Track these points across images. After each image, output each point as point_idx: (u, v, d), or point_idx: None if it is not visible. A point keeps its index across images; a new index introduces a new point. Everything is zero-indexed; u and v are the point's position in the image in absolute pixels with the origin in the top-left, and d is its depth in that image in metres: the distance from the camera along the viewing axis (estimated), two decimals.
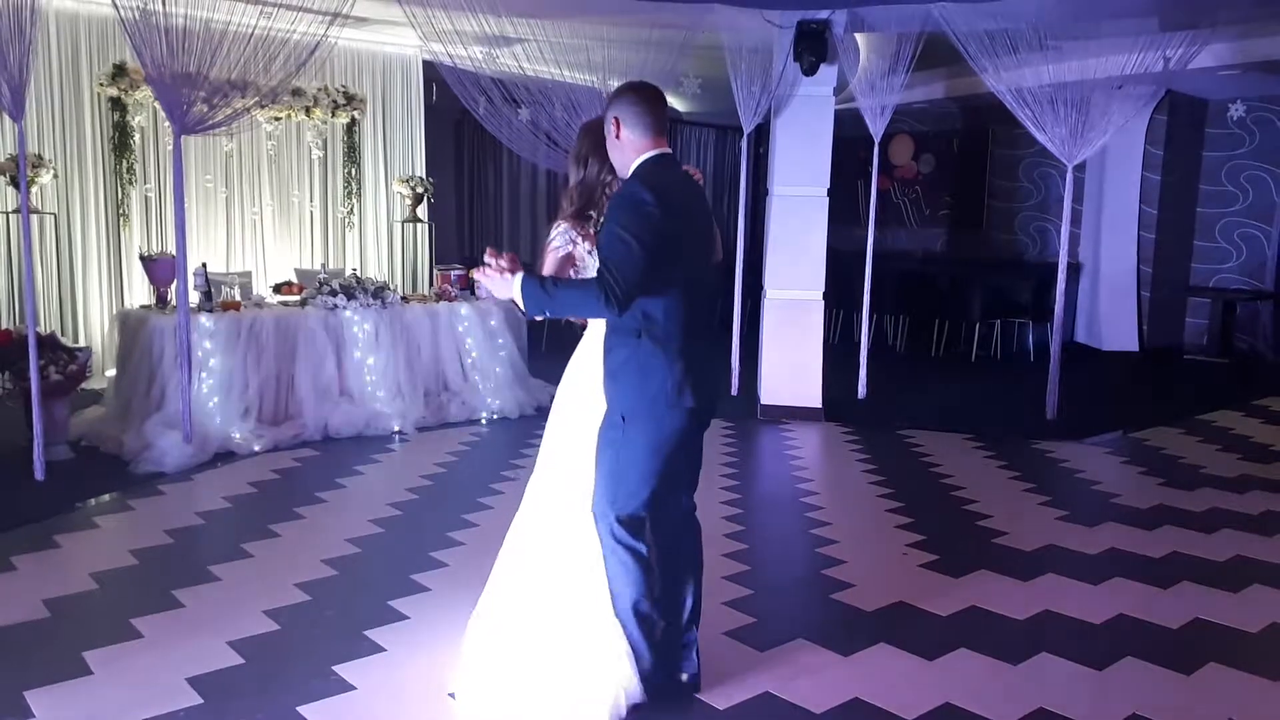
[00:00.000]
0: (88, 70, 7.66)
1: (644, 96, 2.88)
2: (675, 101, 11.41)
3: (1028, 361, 9.98)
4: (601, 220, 2.98)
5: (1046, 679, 3.26)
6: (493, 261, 2.79)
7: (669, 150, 2.93)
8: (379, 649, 3.35)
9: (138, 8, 5.12)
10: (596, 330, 3.02)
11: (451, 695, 3.02)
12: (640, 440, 2.85)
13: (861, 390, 7.94)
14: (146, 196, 8.08)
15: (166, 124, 5.94)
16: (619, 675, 2.89)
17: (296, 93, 8.26)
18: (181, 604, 3.71)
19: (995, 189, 12.04)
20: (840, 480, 5.81)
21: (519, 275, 2.77)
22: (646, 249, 2.68)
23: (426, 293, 7.76)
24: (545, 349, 8.67)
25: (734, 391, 7.88)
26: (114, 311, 7.35)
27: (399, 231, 9.68)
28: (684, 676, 3.04)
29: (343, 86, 8.92)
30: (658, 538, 2.97)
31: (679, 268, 2.81)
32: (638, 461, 2.86)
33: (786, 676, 3.21)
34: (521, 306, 2.79)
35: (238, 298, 6.59)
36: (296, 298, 6.87)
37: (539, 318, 2.78)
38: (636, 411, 2.85)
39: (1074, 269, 10.67)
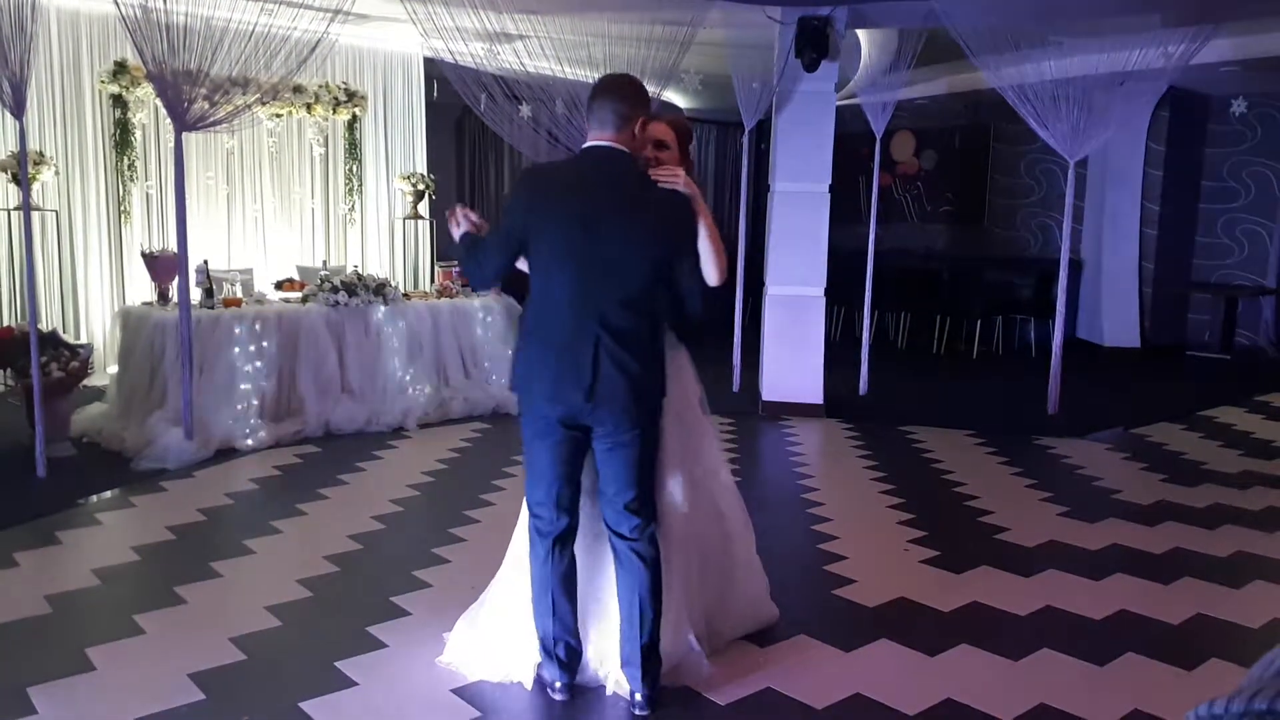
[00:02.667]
0: (89, 67, 7.66)
1: (593, 91, 2.87)
2: (676, 97, 11.39)
3: (1029, 358, 9.98)
4: None
5: (1048, 675, 3.26)
6: (468, 217, 3.08)
7: (602, 143, 2.83)
8: (381, 645, 3.36)
9: (139, 5, 5.12)
10: None
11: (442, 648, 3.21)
12: (524, 429, 2.95)
13: (863, 387, 7.94)
14: (148, 193, 8.08)
15: (167, 121, 5.92)
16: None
17: (297, 90, 8.26)
18: (184, 600, 3.71)
19: (997, 185, 12.03)
20: (842, 476, 5.80)
21: (462, 229, 3.07)
22: (498, 234, 2.92)
23: (428, 289, 7.76)
24: None
25: (735, 388, 7.88)
26: (115, 308, 7.36)
27: (400, 228, 9.68)
28: (637, 697, 2.92)
29: (344, 83, 8.91)
30: (580, 542, 3.00)
31: (545, 254, 2.83)
32: (528, 452, 2.95)
33: (788, 672, 3.21)
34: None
35: (239, 294, 6.60)
36: (298, 294, 6.87)
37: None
38: (519, 397, 2.96)
39: (1076, 265, 10.66)
